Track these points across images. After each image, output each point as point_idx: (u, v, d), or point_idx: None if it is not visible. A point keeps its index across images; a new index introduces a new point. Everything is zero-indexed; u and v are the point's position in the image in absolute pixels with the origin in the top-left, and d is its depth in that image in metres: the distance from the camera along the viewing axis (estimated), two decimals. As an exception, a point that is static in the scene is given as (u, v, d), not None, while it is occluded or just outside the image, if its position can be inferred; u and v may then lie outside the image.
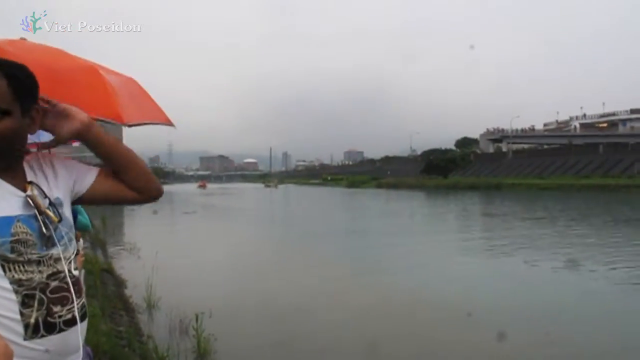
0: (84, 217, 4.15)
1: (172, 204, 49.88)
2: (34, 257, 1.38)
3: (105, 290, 8.22)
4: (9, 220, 1.36)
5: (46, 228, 1.42)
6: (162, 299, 8.38)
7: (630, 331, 7.52)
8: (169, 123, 2.47)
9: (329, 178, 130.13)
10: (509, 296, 9.66)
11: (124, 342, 5.86)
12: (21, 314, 1.32)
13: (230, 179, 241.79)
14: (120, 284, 9.86)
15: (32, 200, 1.43)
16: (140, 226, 25.57)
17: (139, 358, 5.62)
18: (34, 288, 1.36)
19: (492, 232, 21.23)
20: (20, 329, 1.32)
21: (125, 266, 11.90)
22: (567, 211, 29.91)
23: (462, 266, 12.84)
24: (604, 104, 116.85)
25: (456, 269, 12.44)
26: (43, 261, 1.40)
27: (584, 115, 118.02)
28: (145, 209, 41.82)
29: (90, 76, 2.09)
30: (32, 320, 1.34)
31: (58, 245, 1.45)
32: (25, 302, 1.33)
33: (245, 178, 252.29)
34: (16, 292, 1.32)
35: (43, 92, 1.49)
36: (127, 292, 9.25)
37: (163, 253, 11.55)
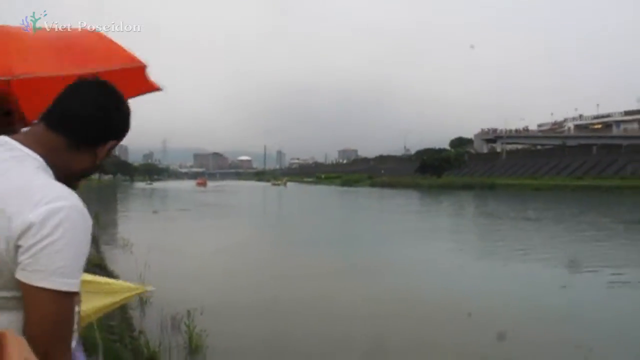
0: None
1: (165, 202, 49.68)
2: None
3: (97, 285, 8.17)
4: None
5: None
6: (155, 295, 8.32)
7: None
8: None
9: (323, 176, 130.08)
10: (502, 297, 9.71)
11: (116, 336, 5.84)
12: None
13: (224, 176, 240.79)
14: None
15: None
16: (135, 224, 25.44)
17: (131, 353, 5.61)
18: None
19: (484, 232, 21.32)
20: None
21: (117, 262, 11.84)
22: (559, 211, 30.03)
23: (456, 267, 12.89)
24: (598, 105, 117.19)
25: (450, 270, 12.49)
26: None
27: (580, 116, 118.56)
28: (141, 209, 41.72)
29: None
30: None
31: None
32: None
33: (239, 176, 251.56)
34: None
35: None
36: (120, 287, 9.18)
37: (156, 250, 11.52)
